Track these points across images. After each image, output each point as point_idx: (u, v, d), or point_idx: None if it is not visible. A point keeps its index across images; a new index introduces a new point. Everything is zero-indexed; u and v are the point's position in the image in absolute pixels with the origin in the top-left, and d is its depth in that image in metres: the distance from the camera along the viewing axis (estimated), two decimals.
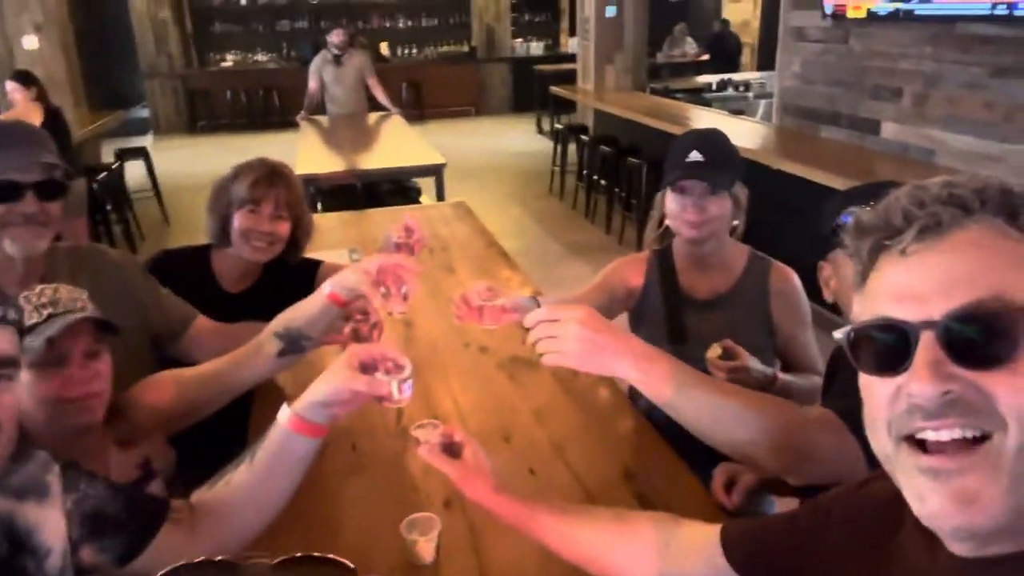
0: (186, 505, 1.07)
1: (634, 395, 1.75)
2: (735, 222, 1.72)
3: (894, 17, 3.88)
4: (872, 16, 4.02)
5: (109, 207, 5.54)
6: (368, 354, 1.02)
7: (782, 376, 1.64)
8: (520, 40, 12.67)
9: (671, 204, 1.68)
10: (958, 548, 0.60)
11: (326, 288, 1.34)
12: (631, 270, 1.82)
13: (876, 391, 0.60)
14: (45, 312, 1.13)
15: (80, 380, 1.17)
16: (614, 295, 1.79)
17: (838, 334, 0.63)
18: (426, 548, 1.19)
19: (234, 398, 1.43)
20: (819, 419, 1.08)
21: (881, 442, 0.61)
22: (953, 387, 0.55)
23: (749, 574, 0.85)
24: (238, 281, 1.92)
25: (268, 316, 1.68)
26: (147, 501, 1.09)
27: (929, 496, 0.57)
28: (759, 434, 1.02)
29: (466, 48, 12.32)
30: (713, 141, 1.68)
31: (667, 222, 1.73)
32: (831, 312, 1.35)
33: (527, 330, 1.03)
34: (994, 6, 3.23)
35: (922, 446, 0.57)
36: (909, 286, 0.59)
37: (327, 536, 1.32)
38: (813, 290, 1.53)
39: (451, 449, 1.07)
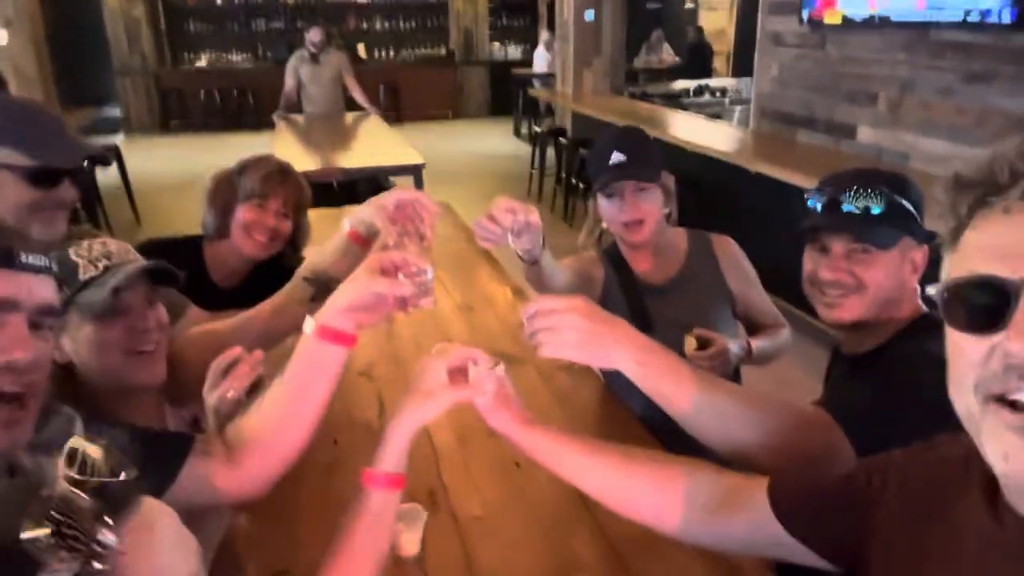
0: (217, 438, 1.05)
1: (616, 389, 1.75)
2: (667, 210, 1.75)
3: (870, 23, 3.94)
4: (848, 22, 4.08)
5: (79, 205, 5.43)
6: (389, 260, 1.00)
7: (756, 344, 1.67)
8: (498, 44, 12.68)
9: (605, 208, 1.70)
10: None
11: (346, 226, 1.33)
12: (591, 264, 1.83)
13: (966, 350, 0.59)
14: (101, 264, 1.13)
15: (143, 329, 1.16)
16: (583, 280, 1.79)
17: (931, 290, 0.62)
18: (410, 540, 1.17)
19: (271, 349, 1.41)
20: (813, 416, 1.07)
21: (966, 402, 0.60)
22: None
23: (796, 529, 0.84)
24: (228, 276, 1.90)
25: None
26: (167, 439, 1.08)
27: (1016, 455, 0.56)
28: (759, 436, 1.01)
29: (444, 51, 12.29)
30: (631, 139, 1.69)
31: (605, 226, 1.75)
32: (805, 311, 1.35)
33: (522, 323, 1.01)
34: (967, 12, 3.29)
35: (1012, 405, 0.56)
36: (1010, 244, 0.57)
37: (310, 532, 1.30)
38: (787, 281, 1.54)
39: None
